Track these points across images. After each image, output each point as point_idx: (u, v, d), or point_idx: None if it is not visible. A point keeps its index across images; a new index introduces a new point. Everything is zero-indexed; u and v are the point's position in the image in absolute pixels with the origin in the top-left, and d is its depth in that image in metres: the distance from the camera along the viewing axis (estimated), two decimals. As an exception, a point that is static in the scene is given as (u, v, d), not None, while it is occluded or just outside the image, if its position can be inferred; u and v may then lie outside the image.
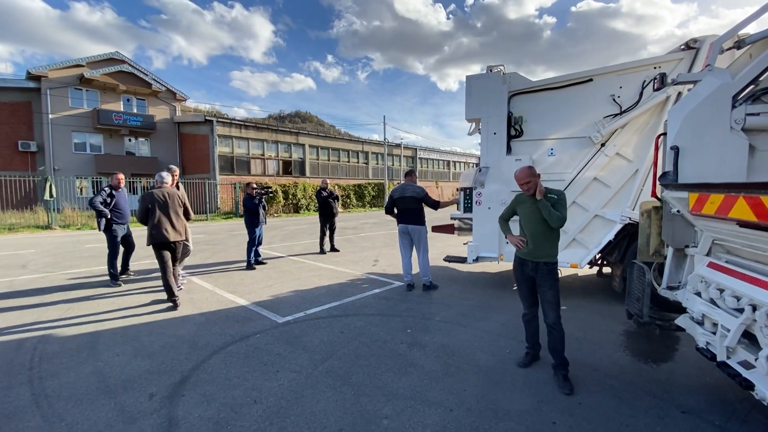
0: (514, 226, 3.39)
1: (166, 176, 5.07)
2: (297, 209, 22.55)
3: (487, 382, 2.96)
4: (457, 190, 5.64)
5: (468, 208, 5.46)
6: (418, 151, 36.63)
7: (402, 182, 5.70)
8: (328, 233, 9.04)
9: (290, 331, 3.98)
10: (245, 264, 7.15)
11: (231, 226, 15.82)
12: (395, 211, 5.65)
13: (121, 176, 6.19)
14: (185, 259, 5.81)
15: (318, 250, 8.92)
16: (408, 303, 4.94)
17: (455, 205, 5.74)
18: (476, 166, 5.77)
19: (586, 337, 3.85)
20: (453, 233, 5.82)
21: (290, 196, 22.02)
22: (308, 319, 4.32)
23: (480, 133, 5.80)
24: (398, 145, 34.09)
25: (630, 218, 4.65)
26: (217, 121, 23.41)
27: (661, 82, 3.02)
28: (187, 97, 26.78)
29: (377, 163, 32.77)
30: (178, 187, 5.53)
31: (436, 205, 5.55)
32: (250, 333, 3.92)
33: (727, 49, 3.10)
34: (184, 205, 5.05)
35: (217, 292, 5.49)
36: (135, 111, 24.21)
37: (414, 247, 5.57)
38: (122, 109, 23.65)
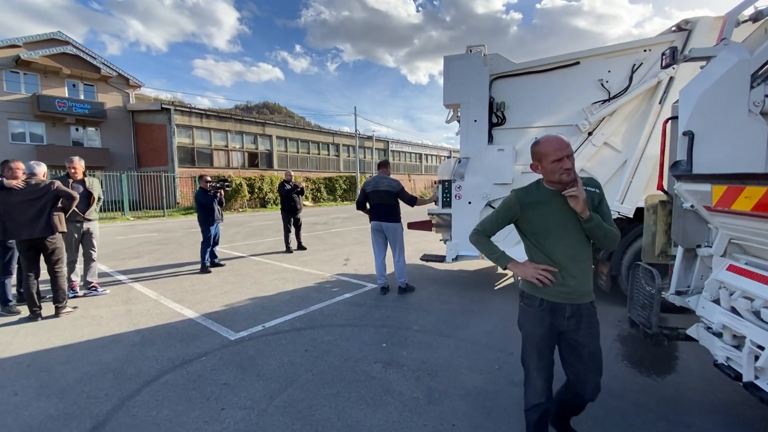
0: (517, 250, 2.36)
1: (35, 167, 4.21)
2: (264, 204, 21.51)
3: (478, 410, 2.49)
4: (435, 183, 5.15)
5: (447, 203, 4.99)
6: (391, 143, 36.11)
7: (375, 174, 5.15)
8: (293, 230, 8.37)
9: (244, 350, 3.37)
10: (200, 267, 6.38)
11: (190, 222, 14.71)
12: (367, 206, 5.10)
13: (18, 165, 4.15)
14: (92, 265, 5.03)
15: (284, 249, 8.23)
16: (383, 309, 4.42)
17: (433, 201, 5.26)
18: (447, 159, 5.31)
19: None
20: (431, 230, 5.35)
21: (256, 190, 20.94)
22: (267, 335, 3.71)
23: (459, 120, 5.34)
24: (370, 138, 33.43)
25: (619, 212, 4.33)
26: (175, 110, 21.86)
27: (672, 57, 2.63)
28: (142, 84, 24.91)
29: (349, 156, 31.99)
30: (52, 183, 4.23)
31: (412, 201, 5.05)
32: (194, 355, 3.27)
33: (743, 22, 2.74)
34: (57, 197, 4.17)
35: (161, 302, 4.75)
36: (82, 98, 22.19)
37: (388, 247, 5.05)
38: (67, 95, 21.60)
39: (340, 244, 9.01)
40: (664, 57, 2.70)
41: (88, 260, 5.09)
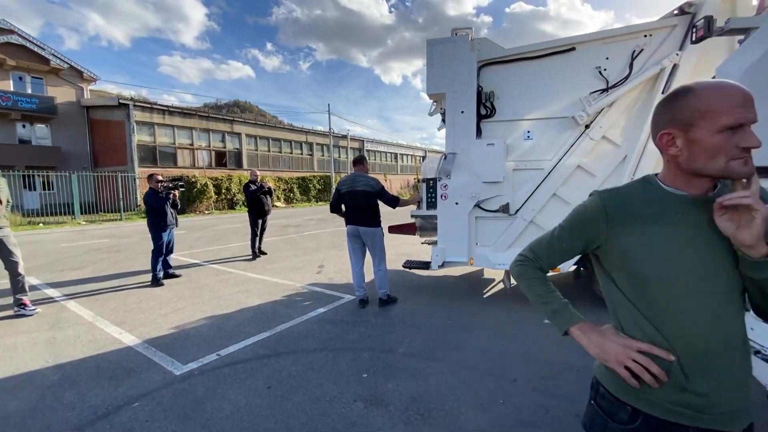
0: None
1: None
2: (232, 205, 20.42)
3: (486, 467, 1.97)
4: (419, 181, 4.63)
5: (432, 204, 4.48)
6: (366, 143, 35.51)
7: (351, 172, 4.56)
8: (259, 234, 7.66)
9: (190, 390, 2.71)
10: (150, 279, 5.59)
11: (150, 226, 13.60)
12: (343, 208, 4.52)
13: None
14: (19, 279, 4.24)
15: (250, 255, 7.51)
16: (362, 327, 3.85)
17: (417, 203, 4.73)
18: (431, 156, 4.80)
19: (589, 366, 3.02)
20: (414, 234, 4.82)
21: (223, 191, 19.82)
22: (222, 366, 3.06)
23: (442, 114, 4.85)
24: (345, 137, 32.70)
25: (620, 213, 3.95)
26: (135, 106, 20.41)
27: (707, 29, 2.20)
28: (97, 77, 23.15)
29: (323, 155, 31.15)
30: None
31: (394, 202, 4.48)
32: (125, 400, 2.59)
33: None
34: None
35: (97, 324, 3.98)
36: (29, 92, 20.33)
37: (368, 254, 4.48)
38: (12, 89, 19.72)
39: (313, 249, 8.36)
40: (695, 30, 2.28)
41: (12, 274, 4.26)
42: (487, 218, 4.42)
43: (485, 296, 4.89)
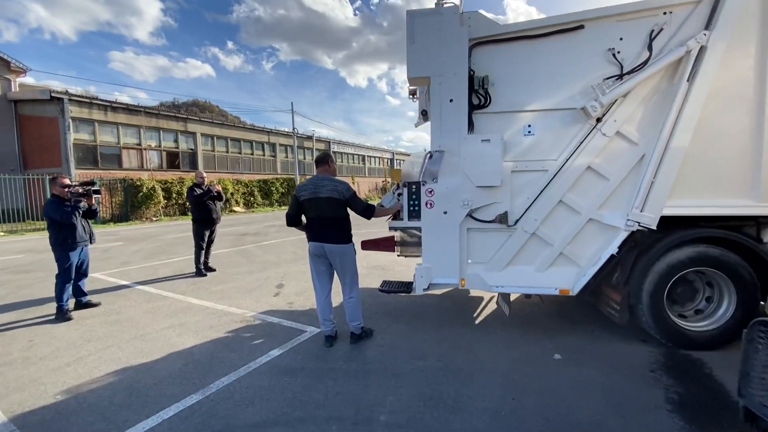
0: None
1: None
2: (184, 211, 18.68)
3: None
4: (400, 186, 3.79)
5: (415, 213, 3.64)
6: (332, 144, 34.38)
7: (313, 175, 3.62)
8: (205, 246, 6.53)
9: None
10: (55, 311, 4.36)
11: (84, 236, 11.87)
12: (303, 220, 3.58)
13: None
14: None
15: (194, 272, 6.36)
16: (329, 379, 2.93)
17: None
18: (413, 155, 4.00)
19: (613, 424, 2.29)
20: (393, 250, 3.96)
21: (174, 195, 18.07)
22: (118, 464, 2.05)
23: (428, 102, 4.06)
24: (310, 137, 31.43)
25: (639, 223, 3.30)
26: (71, 100, 18.23)
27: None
28: (27, 68, 20.61)
29: (287, 156, 29.72)
30: None
31: (369, 211, 3.55)
32: None
33: None
34: None
35: (-53, 392, 2.80)
36: (-61, 82, 17.64)
37: (337, 278, 3.57)
38: None
39: (272, 263, 7.29)
40: None
41: None
42: (481, 230, 3.65)
43: (477, 321, 4.11)
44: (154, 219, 16.67)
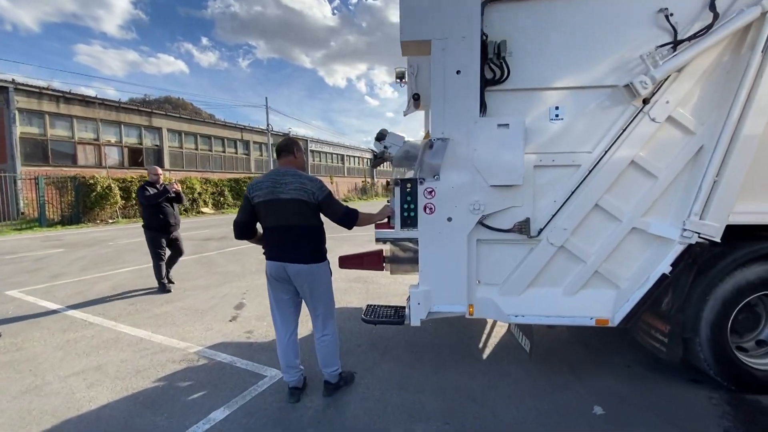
0: None
1: None
2: (148, 212, 17.16)
3: None
4: (389, 184, 2.92)
5: (410, 220, 2.77)
6: (310, 142, 33.18)
7: (273, 168, 2.67)
8: (168, 256, 5.49)
9: None
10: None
11: (25, 242, 10.43)
12: (259, 231, 2.65)
13: None
14: None
15: (155, 287, 5.34)
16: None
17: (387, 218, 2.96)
18: (407, 142, 3.13)
19: None
20: (380, 268, 3.06)
21: (134, 195, 16.55)
22: None
23: (422, 80, 3.25)
24: (286, 135, 30.12)
25: (699, 233, 2.56)
26: (17, 89, 16.45)
27: None
28: (-33, 53, 18.51)
29: (261, 155, 28.36)
30: None
31: (351, 217, 2.63)
32: None
33: None
34: None
35: None
36: None
37: (307, 310, 2.65)
38: None
39: (235, 274, 6.27)
40: None
41: None
42: (494, 242, 2.83)
43: (486, 355, 3.29)
44: (111, 221, 15.15)
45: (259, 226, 2.61)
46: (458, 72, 2.66)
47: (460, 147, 2.69)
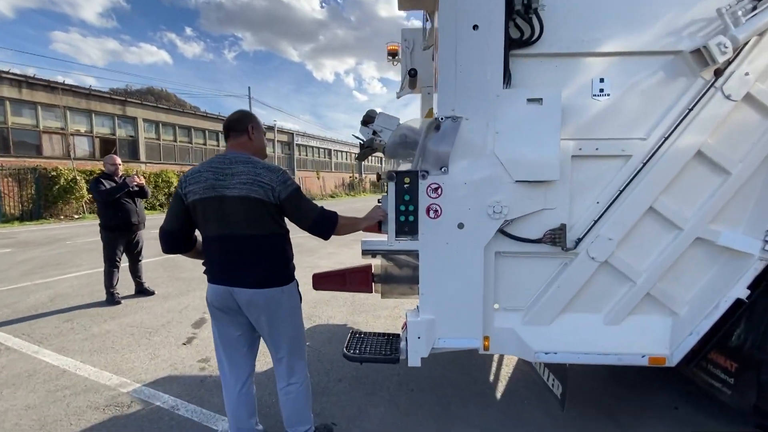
0: None
1: None
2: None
3: None
4: (380, 179, 2.23)
5: (407, 227, 2.07)
6: (296, 136, 32.13)
7: (219, 154, 1.92)
8: (129, 262, 4.74)
9: None
10: None
11: (-31, 239, 9.38)
12: (198, 241, 1.92)
13: None
14: None
15: (105, 298, 4.56)
16: None
17: (377, 224, 2.25)
18: (402, 124, 2.41)
19: None
20: (368, 290, 2.35)
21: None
22: None
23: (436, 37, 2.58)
24: (271, 128, 29.06)
25: (789, 248, 1.94)
26: (-28, 72, 15.12)
27: None
28: None
29: (244, 148, 27.18)
30: None
31: (327, 225, 1.90)
32: None
33: None
34: None
35: None
36: None
37: (268, 350, 1.94)
38: None
39: (201, 280, 5.45)
40: None
41: None
42: (519, 256, 2.17)
43: (499, 394, 2.64)
44: (76, 217, 14.05)
45: (199, 234, 1.88)
46: (475, 27, 1.97)
47: (476, 129, 2.01)
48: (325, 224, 1.85)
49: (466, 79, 1.99)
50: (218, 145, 25.29)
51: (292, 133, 31.73)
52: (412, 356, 2.08)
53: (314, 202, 1.91)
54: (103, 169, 4.75)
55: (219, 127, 25.16)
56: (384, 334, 2.50)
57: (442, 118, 2.00)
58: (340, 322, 3.82)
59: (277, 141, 29.86)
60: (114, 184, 4.51)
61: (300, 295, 1.94)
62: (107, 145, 19.19)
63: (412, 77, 3.27)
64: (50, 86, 17.13)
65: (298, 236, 1.98)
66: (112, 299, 4.50)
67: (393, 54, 4.07)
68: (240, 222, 1.70)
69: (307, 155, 33.98)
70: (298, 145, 32.47)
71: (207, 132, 24.49)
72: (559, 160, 1.99)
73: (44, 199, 13.16)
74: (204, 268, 1.88)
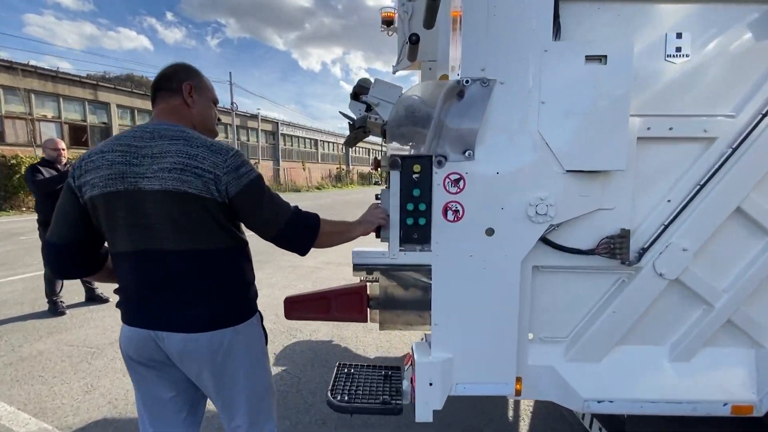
0: None
1: None
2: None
3: None
4: (378, 166, 1.65)
5: (416, 234, 1.50)
6: (281, 125, 31.09)
7: (137, 125, 1.23)
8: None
9: None
10: None
11: None
12: (107, 257, 1.29)
13: None
14: None
15: (47, 307, 3.89)
16: None
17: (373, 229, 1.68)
18: (407, 92, 1.81)
19: None
20: (361, 318, 1.77)
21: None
22: None
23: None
24: (254, 116, 28.01)
25: None
26: (-77, 50, 13.75)
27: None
28: None
29: (227, 137, 26.15)
30: None
31: (304, 234, 1.29)
32: None
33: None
34: None
35: None
36: None
37: (201, 412, 1.35)
38: None
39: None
40: None
41: None
42: (562, 271, 1.63)
43: (522, 439, 2.11)
44: (29, 210, 13.03)
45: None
46: (515, -48, 1.39)
47: (514, 97, 1.45)
48: (300, 232, 1.26)
49: (503, 27, 1.42)
50: (199, 134, 24.21)
51: (277, 122, 30.68)
52: (421, 409, 1.53)
53: (287, 199, 1.31)
54: (43, 155, 4.03)
55: (199, 114, 24.07)
56: (380, 368, 1.94)
57: (466, 81, 1.43)
58: (324, 338, 3.25)
59: (261, 130, 28.82)
60: (55, 173, 3.81)
61: (265, 332, 1.36)
62: (77, 133, 18.04)
63: (413, 44, 2.65)
64: (12, 67, 15.85)
65: (261, 240, 1.39)
66: (54, 309, 3.83)
67: (388, 22, 3.47)
68: (166, 231, 1.10)
69: (292, 145, 33.00)
70: (283, 135, 31.46)
71: (187, 120, 23.33)
72: (626, 142, 1.45)
73: (3, 189, 12.12)
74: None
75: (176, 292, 1.13)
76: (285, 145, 31.75)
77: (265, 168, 28.39)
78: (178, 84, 1.24)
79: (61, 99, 17.35)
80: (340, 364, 1.97)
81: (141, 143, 1.11)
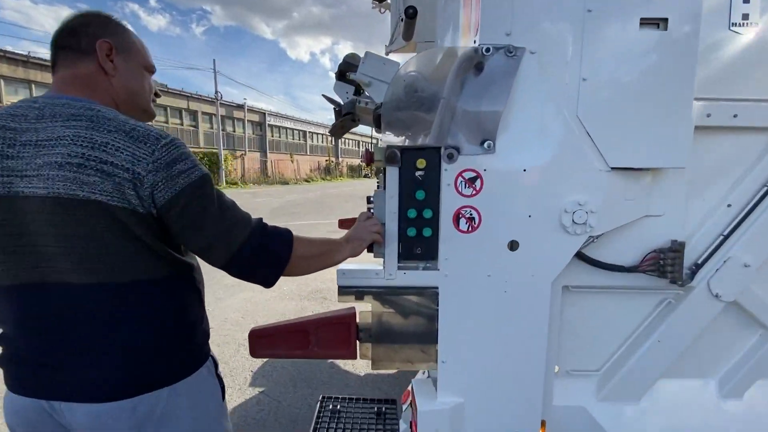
0: None
1: None
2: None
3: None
4: (371, 162, 1.31)
5: (419, 247, 1.17)
6: (268, 116, 30.30)
7: (22, 100, 0.83)
8: None
9: None
10: None
11: None
12: None
13: None
14: None
15: None
16: None
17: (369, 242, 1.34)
18: (407, 67, 1.47)
19: None
20: (353, 356, 1.43)
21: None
22: None
23: None
24: (241, 106, 27.21)
25: None
26: None
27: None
28: None
29: (211, 127, 25.38)
30: None
31: (271, 257, 0.91)
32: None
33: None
34: None
35: None
36: None
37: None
38: None
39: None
40: None
41: None
42: (596, 291, 1.32)
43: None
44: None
45: None
46: None
47: (548, 71, 1.12)
48: (263, 258, 0.91)
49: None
50: (181, 124, 23.39)
51: (264, 113, 29.90)
52: (424, 466, 1.21)
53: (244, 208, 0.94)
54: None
55: (183, 104, 23.26)
56: (372, 402, 1.62)
57: (486, 50, 1.09)
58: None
59: (248, 121, 28.04)
60: None
61: (221, 383, 1.01)
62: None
63: (409, 18, 2.30)
64: (-21, 51, 14.92)
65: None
66: None
67: (380, -1, 3.11)
68: (60, 256, 0.75)
69: (280, 137, 32.27)
70: (271, 126, 30.71)
71: (169, 109, 22.49)
72: (691, 130, 1.14)
73: None
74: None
75: (80, 344, 0.78)
76: (272, 136, 31.02)
77: (251, 160, 27.70)
78: (89, 41, 0.87)
79: (33, 85, 16.47)
80: (323, 397, 1.65)
81: (21, 124, 0.75)
